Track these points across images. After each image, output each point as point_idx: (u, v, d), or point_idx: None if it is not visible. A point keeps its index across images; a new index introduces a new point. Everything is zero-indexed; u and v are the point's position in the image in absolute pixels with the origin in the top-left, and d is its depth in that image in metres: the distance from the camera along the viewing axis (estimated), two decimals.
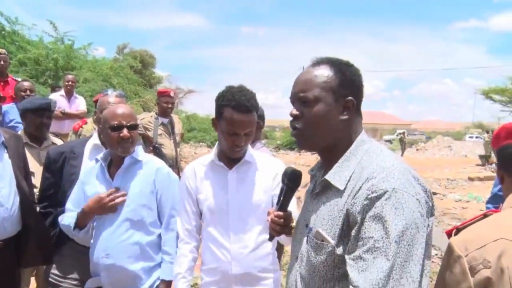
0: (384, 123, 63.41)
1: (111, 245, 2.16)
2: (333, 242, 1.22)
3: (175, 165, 4.85)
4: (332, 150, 1.34)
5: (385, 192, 1.14)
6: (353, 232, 1.17)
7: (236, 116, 1.90)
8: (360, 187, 1.18)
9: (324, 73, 1.32)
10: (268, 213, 1.64)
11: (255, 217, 2.02)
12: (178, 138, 5.20)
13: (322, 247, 1.25)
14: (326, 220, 1.26)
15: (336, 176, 1.28)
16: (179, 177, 2.46)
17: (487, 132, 22.77)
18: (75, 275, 2.39)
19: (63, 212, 2.35)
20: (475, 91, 24.18)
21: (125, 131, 2.16)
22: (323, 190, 1.33)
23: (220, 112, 1.96)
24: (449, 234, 1.50)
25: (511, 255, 1.14)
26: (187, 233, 2.11)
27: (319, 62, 1.35)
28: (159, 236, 2.26)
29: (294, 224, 1.69)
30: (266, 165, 2.09)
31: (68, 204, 2.33)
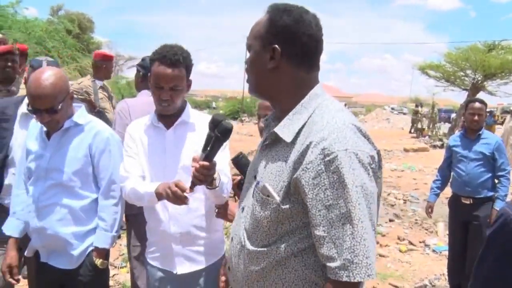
0: None
1: (40, 207, 2.09)
2: (278, 198, 1.22)
3: None
4: (278, 101, 1.33)
5: (338, 155, 1.12)
6: (309, 200, 1.16)
7: (161, 68, 1.94)
8: (309, 147, 1.16)
9: (261, 20, 1.31)
10: (194, 159, 1.64)
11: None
12: (114, 102, 5.07)
13: (267, 202, 1.25)
14: (273, 175, 1.25)
15: (285, 129, 1.27)
16: None
17: (416, 106, 24.09)
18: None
19: None
20: (413, 66, 25.12)
21: (44, 116, 2.01)
22: (272, 143, 1.32)
23: (151, 68, 1.99)
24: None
25: None
26: (131, 174, 2.01)
27: (267, 10, 1.33)
28: (96, 200, 2.17)
29: (216, 175, 1.77)
30: (203, 124, 2.05)
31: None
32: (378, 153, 1.24)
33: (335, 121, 1.19)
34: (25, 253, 2.22)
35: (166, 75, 1.94)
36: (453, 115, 25.00)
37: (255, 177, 1.37)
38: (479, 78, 21.30)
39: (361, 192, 1.12)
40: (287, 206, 1.21)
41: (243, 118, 26.71)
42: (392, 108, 43.94)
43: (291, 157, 1.22)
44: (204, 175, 1.64)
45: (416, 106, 24.22)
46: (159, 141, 2.05)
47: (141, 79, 3.09)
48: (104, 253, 2.18)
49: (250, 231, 1.32)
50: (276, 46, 1.26)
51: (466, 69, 21.62)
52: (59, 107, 2.01)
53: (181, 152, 2.02)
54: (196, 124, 2.09)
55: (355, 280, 1.11)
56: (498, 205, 3.74)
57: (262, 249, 1.28)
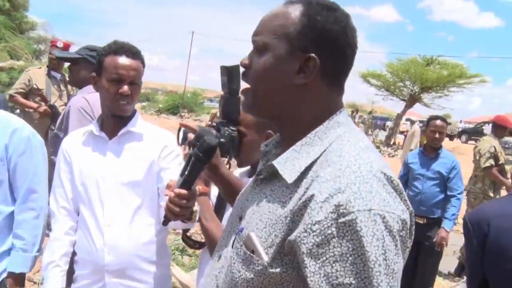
0: None
1: None
2: (265, 258, 0.86)
3: None
4: (289, 125, 0.96)
5: (358, 217, 0.79)
6: (309, 275, 0.80)
7: (121, 59, 1.71)
8: (317, 199, 0.81)
9: (289, 13, 0.92)
10: (168, 186, 1.23)
11: (136, 195, 1.70)
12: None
13: (251, 261, 0.88)
14: (263, 223, 0.89)
15: (288, 163, 0.90)
16: None
17: (352, 112, 24.86)
18: None
19: None
20: (353, 73, 25.89)
21: None
22: (269, 178, 0.94)
23: (101, 64, 1.73)
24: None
25: None
26: (64, 211, 1.77)
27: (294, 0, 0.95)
28: (12, 215, 1.81)
29: (197, 207, 1.39)
30: (153, 136, 1.79)
31: None
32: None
33: (358, 165, 0.84)
34: None
35: (128, 65, 1.70)
36: (388, 123, 25.96)
37: (240, 218, 0.99)
38: (417, 90, 22.35)
39: (384, 271, 0.78)
40: (277, 270, 0.85)
41: (182, 114, 26.03)
42: None
43: (290, 205, 0.86)
44: (181, 207, 1.20)
45: (352, 112, 24.94)
46: (99, 153, 1.73)
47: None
48: (22, 280, 1.83)
49: None
50: (314, 55, 0.89)
51: (405, 80, 22.61)
52: None
53: (124, 166, 1.71)
54: (145, 135, 1.77)
55: None
56: (446, 225, 3.70)
57: None
